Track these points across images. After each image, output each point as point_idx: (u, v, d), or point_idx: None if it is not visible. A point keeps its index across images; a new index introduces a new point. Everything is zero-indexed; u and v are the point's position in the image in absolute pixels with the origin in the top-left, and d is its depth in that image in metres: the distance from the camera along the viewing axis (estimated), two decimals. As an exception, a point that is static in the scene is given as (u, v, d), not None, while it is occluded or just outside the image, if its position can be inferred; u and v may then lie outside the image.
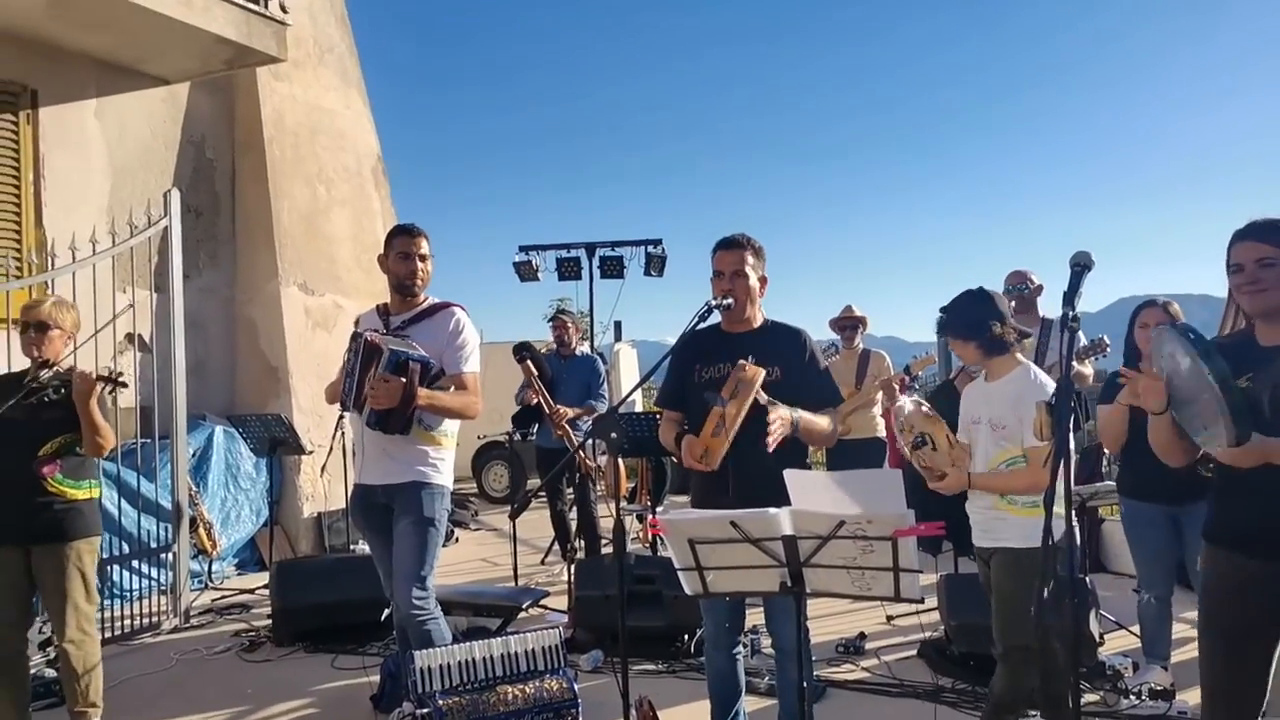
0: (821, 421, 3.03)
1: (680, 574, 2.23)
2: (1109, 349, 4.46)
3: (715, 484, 2.93)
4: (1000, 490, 3.15)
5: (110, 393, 3.57)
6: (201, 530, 6.56)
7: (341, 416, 6.25)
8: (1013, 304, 5.18)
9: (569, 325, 6.67)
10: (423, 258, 3.60)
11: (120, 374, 3.58)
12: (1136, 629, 4.30)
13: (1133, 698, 3.81)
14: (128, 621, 5.30)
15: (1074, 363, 2.36)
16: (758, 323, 3.18)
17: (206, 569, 6.61)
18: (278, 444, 6.29)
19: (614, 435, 2.78)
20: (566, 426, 5.90)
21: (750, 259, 3.10)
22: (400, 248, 3.61)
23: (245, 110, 7.84)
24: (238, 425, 6.54)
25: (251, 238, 7.79)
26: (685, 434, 3.02)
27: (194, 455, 6.69)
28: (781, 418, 2.83)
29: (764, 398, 2.85)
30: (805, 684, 2.35)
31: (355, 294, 8.19)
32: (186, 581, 5.70)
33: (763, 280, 3.16)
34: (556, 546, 6.79)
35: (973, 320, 3.17)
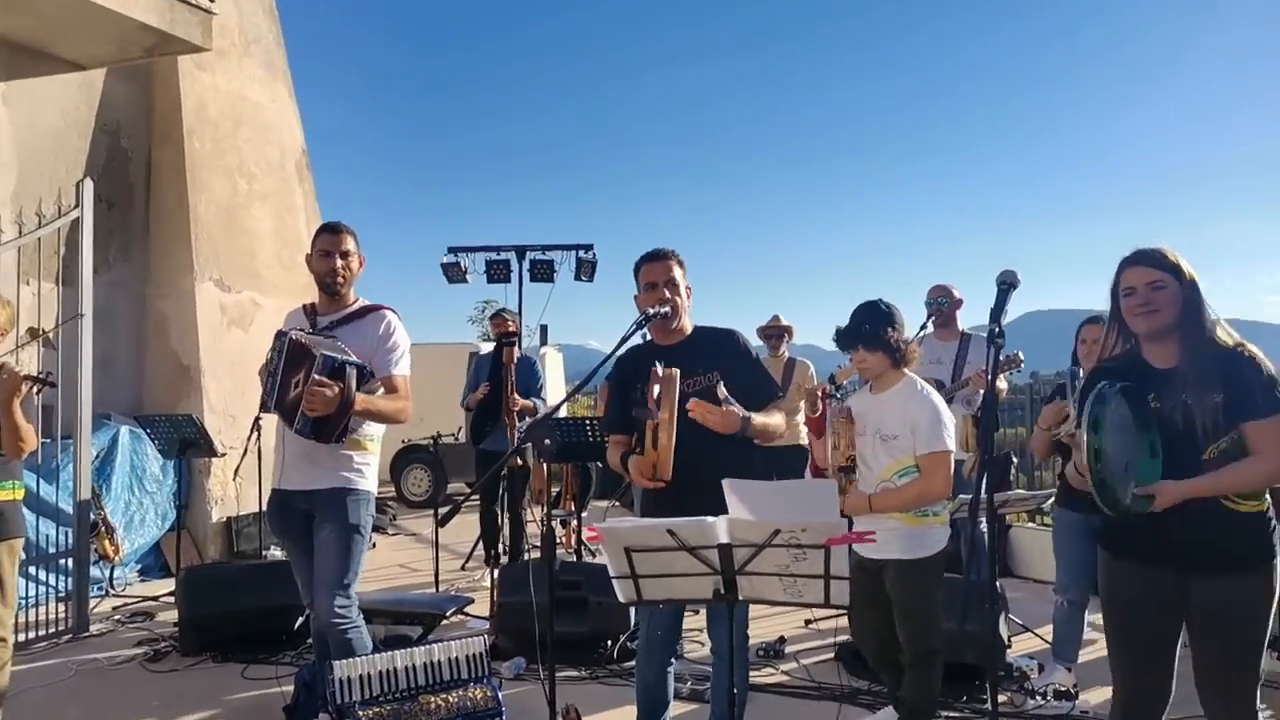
0: (772, 419, 3.07)
1: (615, 582, 2.23)
2: (1023, 364, 4.64)
3: (664, 498, 2.90)
4: (899, 509, 3.25)
5: (37, 392, 3.44)
6: (103, 535, 6.27)
7: (258, 418, 6.10)
8: (933, 317, 5.35)
9: (509, 323, 6.66)
10: (344, 254, 3.50)
11: (49, 373, 3.45)
12: (1042, 631, 4.47)
13: (1038, 698, 3.97)
14: (23, 631, 5.03)
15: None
16: (689, 331, 3.21)
17: (108, 575, 6.33)
18: (187, 445, 6.07)
19: (547, 442, 2.78)
20: (515, 418, 5.92)
21: (677, 269, 3.15)
22: (322, 245, 3.53)
23: (165, 99, 7.55)
24: (145, 425, 6.29)
25: (166, 231, 7.50)
26: (631, 454, 3.03)
27: (97, 456, 6.41)
28: (730, 410, 2.86)
29: (723, 393, 2.89)
30: (735, 690, 2.37)
31: (275, 292, 7.97)
32: (87, 589, 5.45)
33: (688, 290, 3.20)
34: (480, 551, 6.72)
35: (880, 331, 3.30)
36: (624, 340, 3.11)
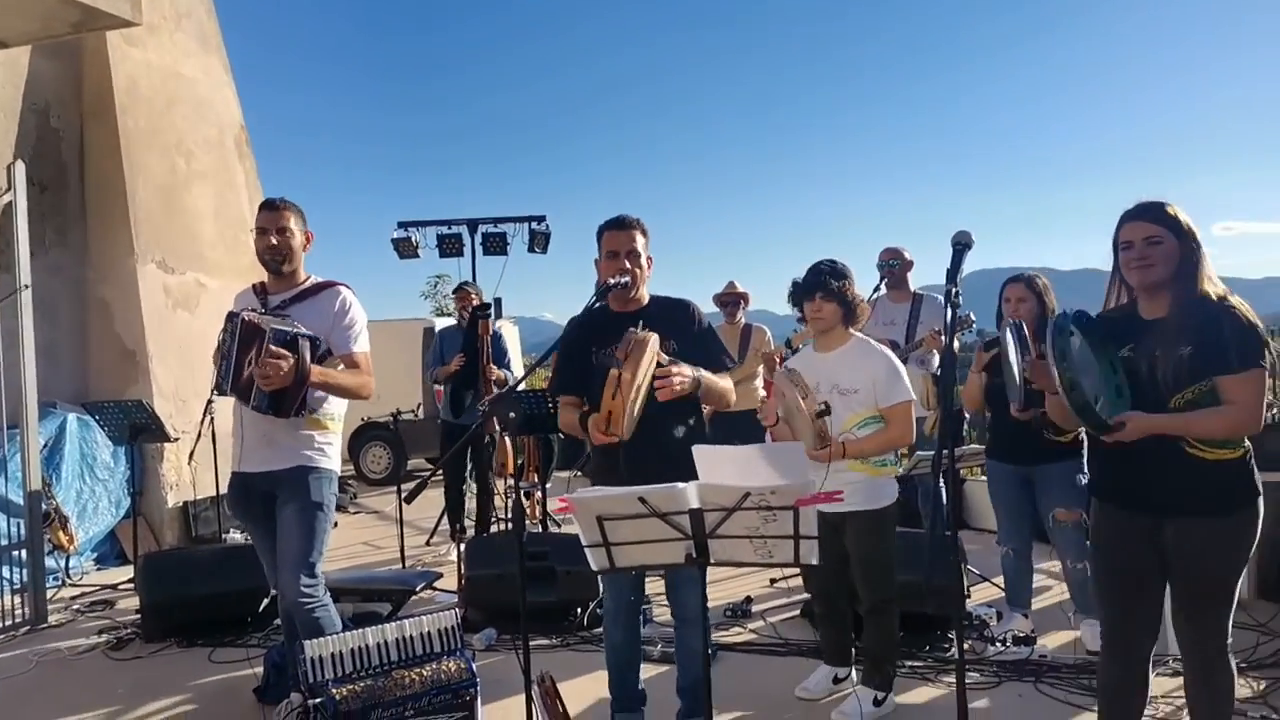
0: (722, 381, 3.10)
1: (587, 550, 2.25)
2: (975, 323, 4.74)
3: (610, 465, 2.95)
4: (873, 453, 3.37)
5: None
6: (56, 524, 6.14)
7: (210, 401, 6.01)
8: (885, 279, 5.43)
9: (473, 297, 6.62)
10: (282, 231, 3.43)
11: None
12: (999, 580, 4.61)
13: (998, 644, 4.10)
14: (-23, 626, 4.95)
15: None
16: (645, 301, 3.22)
17: (63, 565, 6.21)
18: (138, 431, 5.96)
19: (512, 415, 2.77)
20: (495, 389, 5.94)
21: (640, 239, 3.15)
22: (260, 222, 3.46)
23: (94, 76, 7.28)
24: (93, 412, 6.15)
25: (104, 213, 7.28)
26: (588, 413, 3.03)
27: (45, 446, 6.25)
28: (682, 372, 2.87)
29: (665, 358, 2.88)
30: (709, 650, 2.42)
31: (219, 272, 7.80)
32: (43, 579, 5.34)
33: (649, 260, 3.21)
34: (445, 525, 6.71)
35: (839, 282, 3.44)
36: (582, 313, 3.13)
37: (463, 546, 5.16)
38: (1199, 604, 2.54)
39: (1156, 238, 2.47)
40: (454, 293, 7.22)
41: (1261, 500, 2.51)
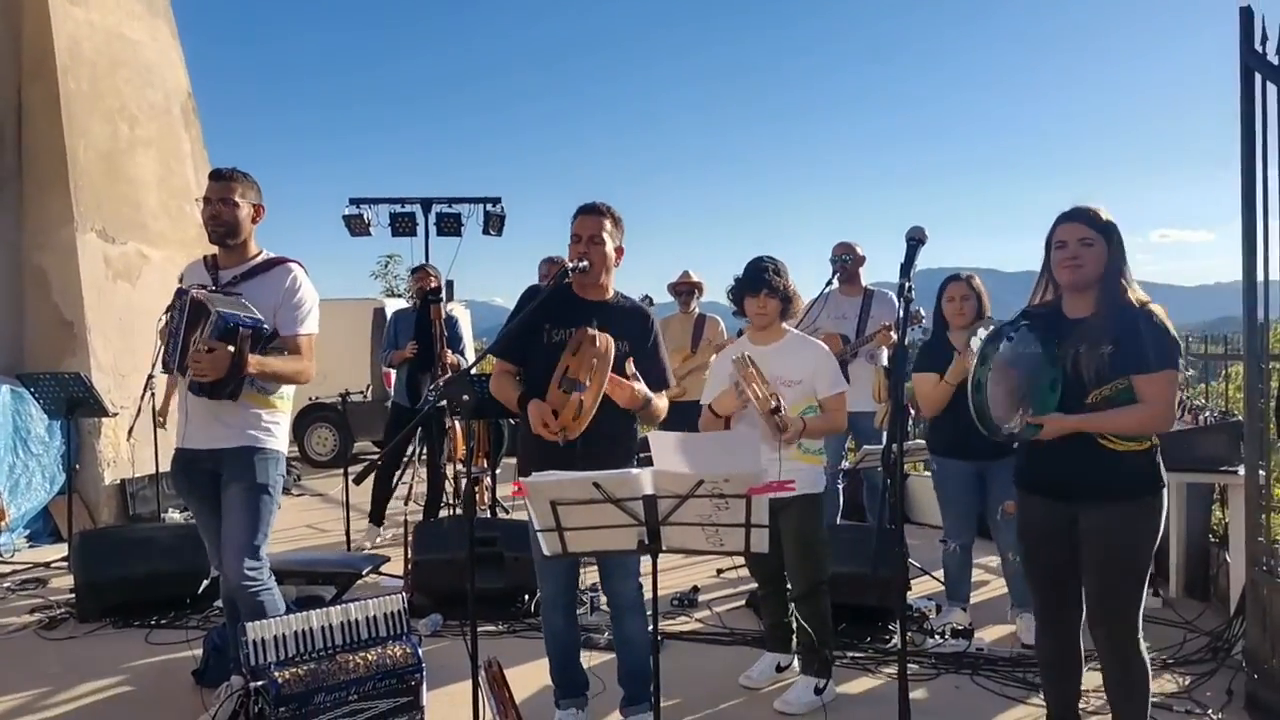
0: (659, 402, 3.20)
1: (540, 535, 2.25)
2: (925, 319, 4.81)
3: (557, 449, 2.98)
4: (818, 435, 3.53)
5: None
6: (-14, 500, 5.96)
7: (151, 376, 5.85)
8: (838, 274, 5.48)
9: (431, 278, 6.53)
10: (225, 201, 3.34)
11: None
12: (938, 574, 4.71)
13: (937, 637, 4.19)
14: (-100, 602, 4.77)
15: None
16: (609, 294, 3.24)
17: (-7, 542, 6.03)
18: (75, 405, 5.81)
19: (466, 398, 2.75)
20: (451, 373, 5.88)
21: (609, 226, 3.15)
22: (206, 193, 3.39)
23: (33, 35, 7.01)
24: (28, 384, 5.97)
25: (41, 178, 7.03)
26: (527, 397, 3.07)
27: (-24, 418, 6.05)
28: (636, 389, 3.02)
29: (631, 369, 3.02)
30: (656, 636, 2.44)
31: (162, 243, 7.59)
32: (-29, 556, 5.19)
33: (619, 250, 3.21)
34: (391, 510, 6.62)
35: (783, 280, 3.54)
36: (539, 290, 3.16)
37: (381, 533, 5.10)
38: (1109, 591, 2.68)
39: (1089, 240, 2.62)
40: (412, 273, 7.10)
41: (1166, 492, 2.69)
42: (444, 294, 6.30)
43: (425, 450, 6.55)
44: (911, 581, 5.03)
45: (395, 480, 6.65)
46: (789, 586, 3.73)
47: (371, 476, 6.31)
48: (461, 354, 6.42)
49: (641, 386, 3.04)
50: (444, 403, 5.24)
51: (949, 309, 4.23)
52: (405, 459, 6.92)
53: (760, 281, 3.53)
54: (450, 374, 5.88)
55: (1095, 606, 2.72)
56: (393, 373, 6.67)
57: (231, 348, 3.10)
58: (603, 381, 2.88)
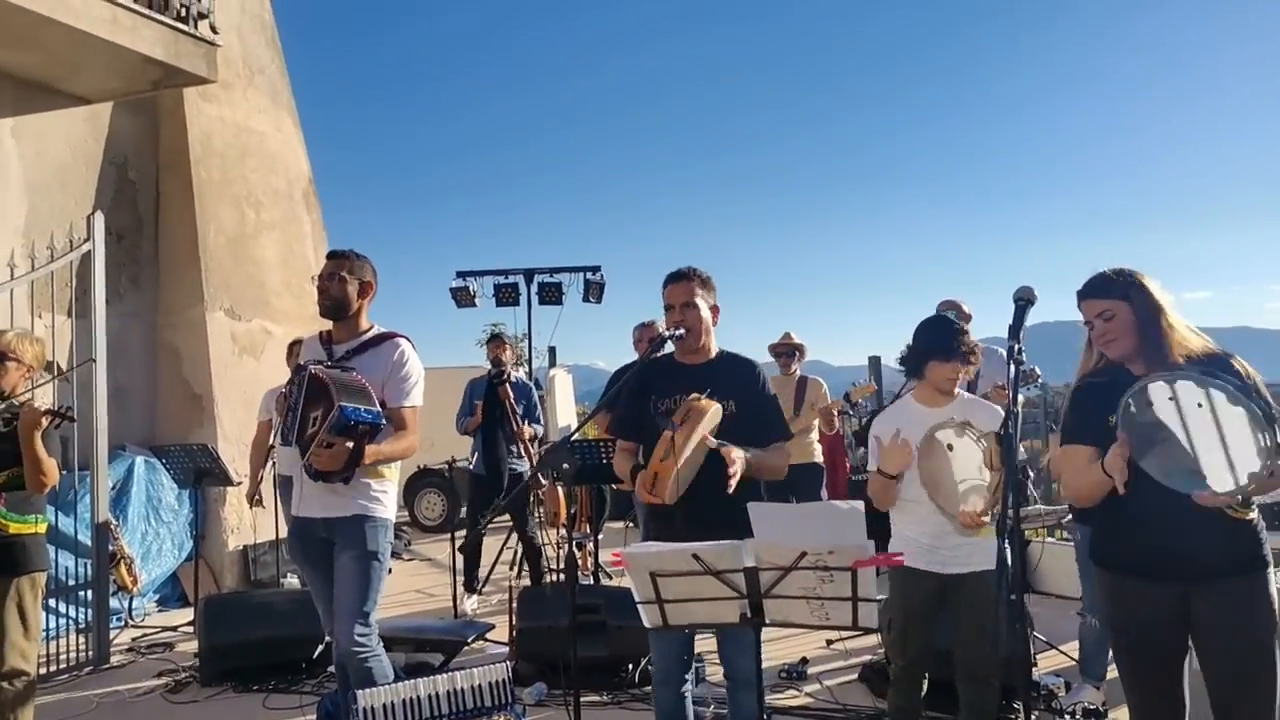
0: (774, 458, 3.06)
1: (640, 607, 2.22)
2: (1040, 378, 4.62)
3: (666, 517, 2.92)
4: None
5: (56, 427, 3.47)
6: (122, 566, 6.27)
7: (272, 446, 6.11)
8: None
9: (507, 347, 6.67)
10: (334, 278, 3.51)
11: (68, 408, 3.47)
12: (1066, 648, 4.43)
13: (1066, 717, 3.92)
14: (43, 664, 5.02)
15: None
16: (713, 353, 3.19)
17: (126, 606, 6.33)
18: (203, 475, 6.09)
19: (566, 466, 2.77)
20: (528, 445, 5.96)
21: (699, 290, 3.14)
22: (321, 271, 3.57)
23: (171, 131, 7.61)
24: (160, 455, 6.31)
25: (175, 261, 7.54)
26: (639, 466, 3.01)
27: (113, 487, 6.42)
28: (736, 458, 2.82)
29: (713, 442, 2.82)
30: (764, 714, 2.36)
31: (284, 319, 8.00)
32: (107, 620, 5.45)
33: (714, 309, 3.19)
34: (482, 575, 6.67)
35: (970, 343, 3.25)
36: (643, 362, 3.13)
37: (485, 598, 5.11)
38: (1246, 680, 2.38)
39: (1108, 312, 2.47)
40: (488, 342, 7.14)
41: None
42: (507, 372, 6.37)
43: (515, 519, 6.56)
44: (1037, 656, 4.75)
45: (481, 546, 6.70)
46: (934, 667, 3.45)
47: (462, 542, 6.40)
48: (538, 421, 6.53)
49: (735, 449, 2.85)
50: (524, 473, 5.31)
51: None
52: (486, 526, 6.93)
53: (955, 346, 3.16)
54: (532, 446, 5.97)
55: (1227, 699, 2.42)
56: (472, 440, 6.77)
57: (350, 443, 3.22)
58: (694, 427, 2.74)
